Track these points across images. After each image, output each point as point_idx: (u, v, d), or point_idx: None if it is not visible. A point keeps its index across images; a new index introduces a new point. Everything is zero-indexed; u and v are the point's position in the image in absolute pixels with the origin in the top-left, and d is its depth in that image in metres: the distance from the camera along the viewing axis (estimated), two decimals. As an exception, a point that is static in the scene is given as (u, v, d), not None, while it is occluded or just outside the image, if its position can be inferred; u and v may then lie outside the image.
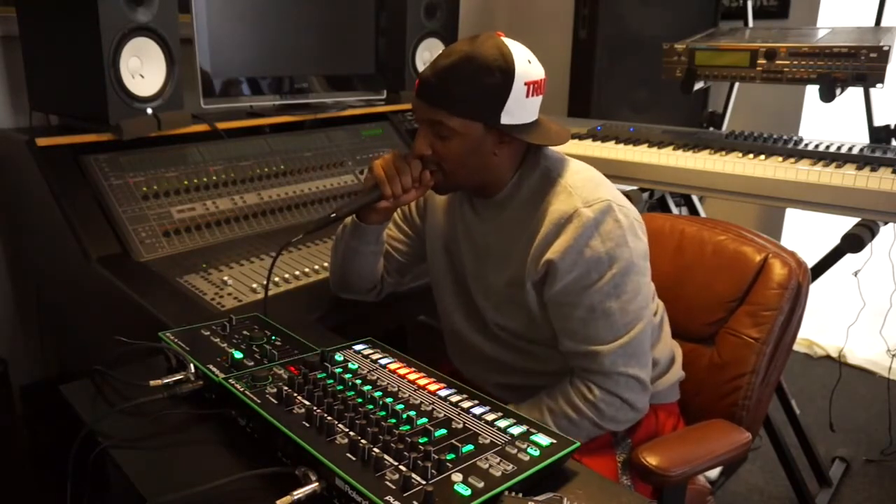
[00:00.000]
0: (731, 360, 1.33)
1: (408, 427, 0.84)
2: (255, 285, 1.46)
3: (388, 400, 0.89)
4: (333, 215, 1.23)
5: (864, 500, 2.12)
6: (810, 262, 1.96)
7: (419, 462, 0.76)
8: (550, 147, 1.22)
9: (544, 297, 1.17)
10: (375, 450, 0.78)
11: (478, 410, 0.90)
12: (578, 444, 0.84)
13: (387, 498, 0.71)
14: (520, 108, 1.13)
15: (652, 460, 1.08)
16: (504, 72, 1.10)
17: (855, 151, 1.82)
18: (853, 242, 1.66)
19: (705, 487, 1.30)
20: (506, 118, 1.13)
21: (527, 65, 1.12)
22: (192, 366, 0.99)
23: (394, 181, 1.20)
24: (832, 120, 2.52)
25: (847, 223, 1.71)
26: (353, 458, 0.77)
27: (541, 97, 1.17)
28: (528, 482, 0.77)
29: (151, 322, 1.28)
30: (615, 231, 1.13)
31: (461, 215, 1.30)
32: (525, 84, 1.12)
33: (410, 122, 2.38)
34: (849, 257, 1.84)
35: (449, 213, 1.34)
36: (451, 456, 0.79)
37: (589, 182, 1.18)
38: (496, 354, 1.29)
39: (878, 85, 1.73)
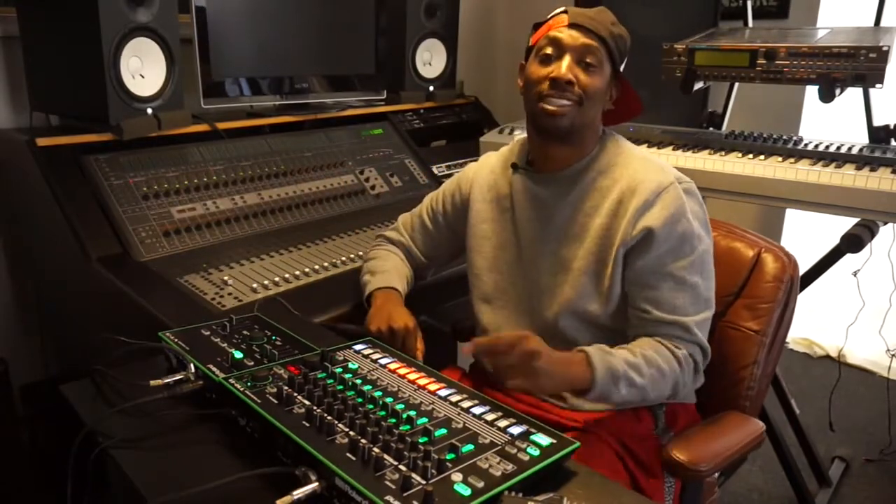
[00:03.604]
0: (732, 352, 1.35)
1: (408, 427, 0.84)
2: (255, 285, 1.46)
3: (388, 400, 0.90)
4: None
5: (864, 500, 2.12)
6: (810, 262, 1.97)
7: (419, 462, 0.76)
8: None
9: (633, 266, 1.19)
10: (375, 449, 0.78)
11: (478, 410, 0.90)
12: (578, 444, 0.84)
13: (387, 497, 0.71)
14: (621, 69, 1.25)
15: (683, 456, 1.10)
16: (626, 30, 1.23)
17: (854, 151, 1.82)
18: (852, 242, 1.66)
19: (713, 478, 1.32)
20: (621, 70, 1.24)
21: None
22: (192, 366, 0.99)
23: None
24: (832, 120, 2.51)
25: (846, 223, 1.71)
26: (353, 458, 0.77)
27: None
28: (528, 482, 0.77)
29: (151, 322, 1.28)
30: (700, 213, 1.22)
31: (527, 198, 1.30)
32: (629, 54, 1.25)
33: (410, 122, 2.38)
34: (848, 257, 1.84)
35: (500, 204, 1.34)
36: (451, 456, 0.79)
37: (668, 165, 1.25)
38: (546, 333, 1.25)
39: (878, 85, 1.73)
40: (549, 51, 1.20)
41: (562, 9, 1.23)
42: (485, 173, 1.39)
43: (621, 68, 1.24)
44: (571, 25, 1.19)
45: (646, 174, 1.20)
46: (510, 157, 1.36)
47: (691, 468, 1.09)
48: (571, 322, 1.25)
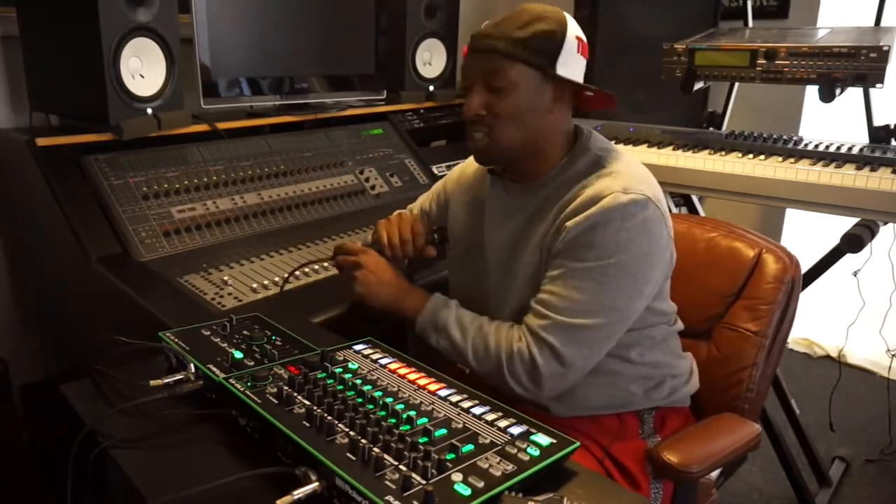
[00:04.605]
0: (731, 354, 1.34)
1: (408, 427, 0.84)
2: (255, 285, 1.46)
3: (389, 400, 0.89)
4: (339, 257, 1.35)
5: (864, 500, 2.12)
6: (810, 262, 1.97)
7: (419, 462, 0.76)
8: (603, 139, 1.23)
9: (547, 259, 1.16)
10: (375, 449, 0.78)
11: (478, 410, 0.90)
12: (578, 444, 0.84)
13: (387, 497, 0.71)
14: (573, 62, 1.15)
15: (673, 458, 1.09)
16: (557, 21, 1.13)
17: (855, 151, 1.82)
18: (853, 242, 1.66)
19: (709, 480, 1.31)
20: (560, 69, 1.13)
21: (574, 21, 1.16)
22: (192, 366, 0.99)
23: (395, 249, 1.32)
24: (832, 120, 2.52)
25: (846, 223, 1.71)
26: (353, 458, 0.77)
27: (585, 61, 1.19)
28: (528, 482, 0.77)
29: (151, 322, 1.28)
30: (636, 227, 1.10)
31: (496, 204, 1.28)
32: (576, 38, 1.15)
33: (410, 122, 2.38)
34: (848, 257, 1.84)
35: (475, 207, 1.33)
36: (451, 456, 0.79)
37: (637, 174, 1.16)
38: None
39: (878, 85, 1.73)
40: (462, 85, 1.18)
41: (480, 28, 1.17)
42: (469, 174, 1.38)
43: (561, 65, 1.13)
44: (471, 51, 1.15)
45: (594, 183, 1.14)
46: None
47: (682, 470, 1.08)
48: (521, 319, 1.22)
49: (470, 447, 0.81)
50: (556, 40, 1.12)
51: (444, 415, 0.88)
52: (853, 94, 1.89)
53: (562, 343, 1.11)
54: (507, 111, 1.13)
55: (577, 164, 1.19)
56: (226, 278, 1.48)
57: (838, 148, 1.85)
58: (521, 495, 0.74)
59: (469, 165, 1.40)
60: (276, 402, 0.89)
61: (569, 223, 1.12)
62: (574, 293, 1.11)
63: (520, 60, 1.11)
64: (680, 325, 1.33)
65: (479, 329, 1.18)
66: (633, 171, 1.16)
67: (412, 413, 0.86)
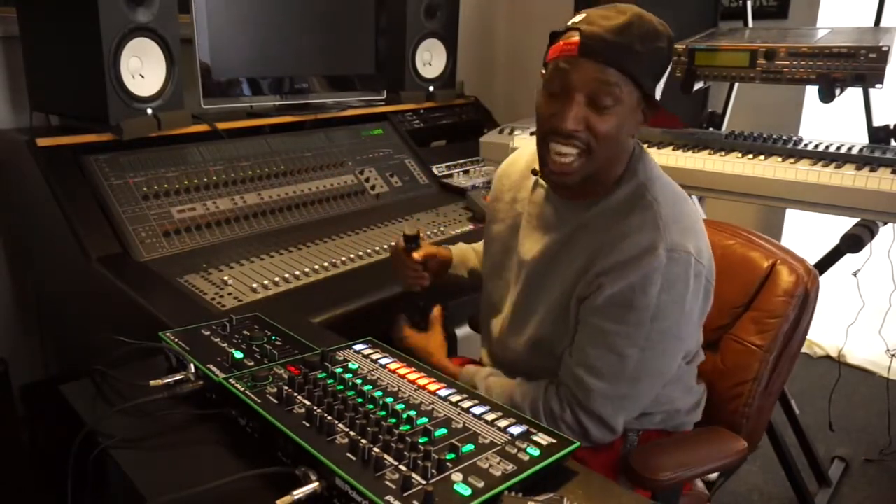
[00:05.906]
0: (734, 366, 1.30)
1: (408, 427, 0.84)
2: (255, 285, 1.46)
3: (389, 400, 0.89)
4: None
5: (864, 500, 2.12)
6: (810, 262, 1.96)
7: (419, 462, 0.76)
8: (650, 160, 1.14)
9: (580, 308, 1.09)
10: (375, 449, 0.78)
11: (478, 410, 0.90)
12: (578, 444, 0.84)
13: (387, 497, 0.71)
14: (662, 86, 1.05)
15: (641, 465, 1.08)
16: (669, 39, 1.03)
17: (854, 151, 1.82)
18: (852, 242, 1.66)
19: (703, 493, 1.30)
20: (657, 92, 1.04)
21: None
22: (192, 366, 0.99)
23: (422, 282, 1.39)
24: (832, 120, 2.51)
25: (846, 223, 1.71)
26: (353, 458, 0.77)
27: None
28: (528, 482, 0.77)
29: (151, 322, 1.28)
30: (680, 289, 1.04)
31: (535, 211, 1.21)
32: (672, 60, 1.06)
33: (410, 122, 2.38)
34: (848, 257, 1.84)
35: (514, 207, 1.26)
36: (451, 456, 0.79)
37: (682, 220, 1.07)
38: (521, 358, 1.23)
39: (878, 85, 1.73)
40: (555, 85, 1.02)
41: (580, 19, 1.02)
42: (515, 170, 1.30)
43: (658, 87, 1.04)
44: (584, 54, 0.98)
45: (637, 230, 1.04)
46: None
47: (650, 477, 1.07)
48: (538, 353, 1.18)
49: (470, 447, 0.81)
50: (666, 62, 1.03)
51: (444, 415, 0.88)
52: (853, 94, 1.89)
53: (610, 415, 1.09)
54: (606, 131, 1.02)
55: (620, 189, 1.10)
56: (226, 278, 1.48)
57: (838, 148, 1.85)
58: (521, 495, 0.74)
59: (516, 161, 1.31)
60: (276, 402, 0.89)
61: (605, 280, 1.04)
62: (617, 359, 1.06)
63: (632, 79, 1.00)
64: (701, 358, 1.27)
65: (515, 407, 1.08)
66: (679, 214, 1.08)
67: (412, 413, 0.86)
